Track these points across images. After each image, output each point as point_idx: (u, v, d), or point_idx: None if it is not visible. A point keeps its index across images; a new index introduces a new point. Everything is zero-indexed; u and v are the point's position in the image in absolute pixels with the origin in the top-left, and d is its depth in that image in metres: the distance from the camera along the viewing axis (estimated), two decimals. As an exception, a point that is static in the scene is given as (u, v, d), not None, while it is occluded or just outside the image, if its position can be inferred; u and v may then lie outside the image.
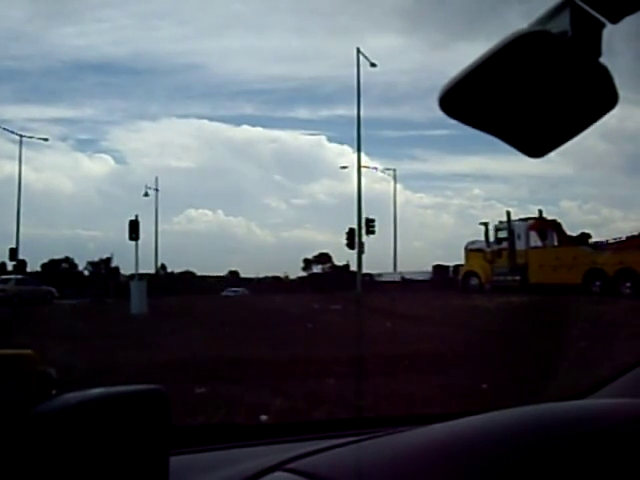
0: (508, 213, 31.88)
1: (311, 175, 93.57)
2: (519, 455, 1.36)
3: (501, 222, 31.75)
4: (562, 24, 0.84)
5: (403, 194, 59.61)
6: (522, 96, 0.88)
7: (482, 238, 32.21)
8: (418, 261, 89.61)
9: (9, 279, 36.58)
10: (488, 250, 31.51)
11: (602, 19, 0.86)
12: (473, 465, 1.32)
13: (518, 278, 29.51)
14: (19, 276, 37.64)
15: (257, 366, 9.30)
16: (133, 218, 35.31)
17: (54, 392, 1.11)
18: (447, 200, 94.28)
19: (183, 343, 12.40)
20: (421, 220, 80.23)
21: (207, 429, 1.98)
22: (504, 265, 30.47)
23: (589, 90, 0.89)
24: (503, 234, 31.22)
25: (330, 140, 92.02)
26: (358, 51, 41.47)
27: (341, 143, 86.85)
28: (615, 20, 0.87)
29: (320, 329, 14.98)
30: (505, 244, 30.86)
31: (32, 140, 51.58)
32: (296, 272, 66.11)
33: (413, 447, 1.42)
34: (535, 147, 0.94)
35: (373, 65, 41.65)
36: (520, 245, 30.47)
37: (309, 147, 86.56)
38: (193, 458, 1.56)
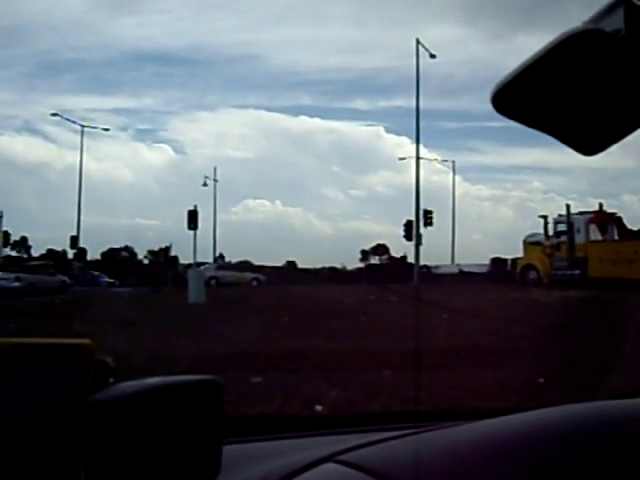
0: (568, 206, 31.47)
1: (369, 166, 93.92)
2: (571, 453, 1.34)
3: (561, 215, 31.40)
4: (616, 22, 0.82)
5: (462, 186, 59.48)
6: (575, 94, 0.88)
7: (541, 231, 31.92)
8: (476, 253, 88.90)
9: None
10: (547, 243, 31.23)
11: None
12: (525, 462, 1.31)
13: (577, 272, 29.07)
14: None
15: (313, 357, 9.37)
16: (192, 208, 35.69)
17: (111, 380, 1.12)
18: (506, 192, 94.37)
19: (240, 333, 12.46)
20: (479, 212, 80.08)
21: (260, 420, 2.02)
22: (563, 259, 30.11)
23: None
24: (562, 227, 30.86)
25: (388, 131, 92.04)
26: (417, 42, 41.36)
27: (399, 134, 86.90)
28: None
29: (375, 321, 14.98)
30: (564, 237, 30.48)
31: (93, 130, 52.49)
32: (353, 263, 66.05)
33: (466, 442, 1.41)
34: (589, 145, 0.93)
35: (433, 56, 41.58)
36: (580, 239, 30.08)
37: (367, 138, 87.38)
38: (246, 448, 1.57)
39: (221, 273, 41.46)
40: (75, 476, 1.00)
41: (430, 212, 41.02)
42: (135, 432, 1.07)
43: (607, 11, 0.83)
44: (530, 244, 32.54)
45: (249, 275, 42.29)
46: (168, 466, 1.12)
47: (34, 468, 0.96)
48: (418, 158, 41.93)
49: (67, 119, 52.15)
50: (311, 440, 1.68)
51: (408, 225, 39.87)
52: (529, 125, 0.91)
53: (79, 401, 0.99)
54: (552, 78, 0.86)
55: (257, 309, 17.88)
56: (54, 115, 51.14)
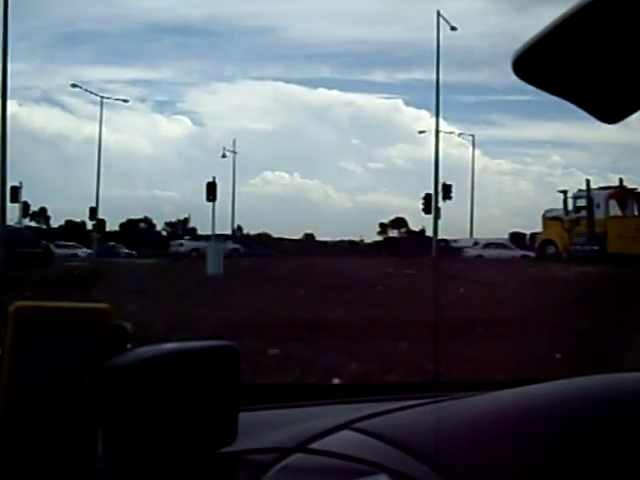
0: (587, 181, 31.35)
1: (388, 139, 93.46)
2: (586, 425, 1.34)
3: (580, 190, 31.16)
4: None
5: (481, 160, 59.18)
6: (598, 60, 0.85)
7: (560, 206, 31.75)
8: (495, 228, 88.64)
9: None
10: (566, 219, 30.99)
11: None
12: (542, 432, 1.31)
13: (596, 248, 28.86)
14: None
15: (331, 328, 9.40)
16: (210, 180, 35.72)
17: (129, 346, 1.12)
18: (525, 167, 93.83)
19: (258, 303, 12.49)
20: (499, 187, 79.74)
21: (278, 388, 2.00)
22: (582, 234, 29.91)
23: None
24: (582, 202, 30.61)
25: (407, 104, 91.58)
26: (438, 14, 41.02)
27: (418, 107, 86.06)
28: None
29: (394, 293, 14.97)
30: (584, 213, 30.26)
31: (111, 101, 52.50)
32: (371, 236, 66.03)
33: (483, 412, 1.41)
34: (610, 113, 0.91)
35: (453, 29, 41.26)
36: (599, 214, 29.86)
37: (386, 111, 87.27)
38: (262, 415, 1.57)
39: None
40: (92, 440, 1.01)
41: (449, 186, 40.86)
42: (152, 397, 1.09)
43: None
44: (549, 219, 32.37)
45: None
46: (185, 431, 1.13)
47: (52, 432, 0.96)
48: (438, 131, 41.76)
49: (87, 90, 52.15)
50: (328, 408, 1.67)
51: (427, 198, 39.65)
52: (550, 91, 0.88)
53: (97, 366, 0.99)
54: (574, 43, 0.83)
55: (275, 281, 17.88)
56: (74, 86, 50.81)
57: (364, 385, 2.31)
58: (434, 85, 41.34)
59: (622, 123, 0.93)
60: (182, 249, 41.35)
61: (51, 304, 0.97)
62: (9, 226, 36.14)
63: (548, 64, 0.85)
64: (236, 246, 41.11)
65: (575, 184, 65.97)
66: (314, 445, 1.27)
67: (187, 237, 48.29)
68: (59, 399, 0.97)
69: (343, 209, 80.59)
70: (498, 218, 70.97)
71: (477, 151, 59.55)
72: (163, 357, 1.13)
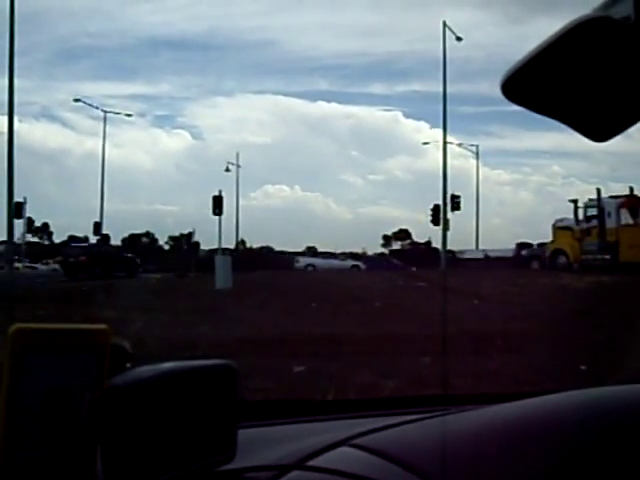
0: (598, 190, 31.00)
1: (387, 151, 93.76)
2: (585, 437, 1.36)
3: (591, 199, 30.96)
4: (625, 9, 0.82)
5: (481, 170, 58.87)
6: (585, 81, 0.88)
7: (562, 216, 31.85)
8: (496, 238, 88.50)
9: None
10: (577, 228, 30.80)
11: None
12: (541, 445, 1.32)
13: (608, 257, 28.70)
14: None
15: (349, 343, 9.25)
16: (216, 193, 35.73)
17: (128, 365, 1.16)
18: (525, 177, 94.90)
19: (274, 319, 12.37)
20: (499, 197, 79.91)
21: (277, 404, 1.98)
22: (593, 243, 29.73)
23: None
24: (593, 212, 30.45)
25: (406, 116, 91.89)
26: (444, 25, 40.97)
27: (417, 119, 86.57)
28: None
29: (407, 307, 14.70)
30: (595, 222, 30.08)
31: (111, 116, 52.16)
32: (373, 248, 65.99)
33: (480, 426, 1.43)
34: (599, 132, 0.93)
35: (459, 39, 41.21)
36: (610, 223, 29.68)
37: (385, 123, 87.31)
38: (262, 432, 1.59)
39: (317, 261, 43.81)
40: (92, 460, 1.03)
41: (457, 196, 40.75)
42: (151, 416, 1.09)
43: None
44: (559, 229, 32.13)
45: (349, 262, 43.44)
46: (184, 449, 1.14)
47: (52, 451, 0.98)
48: (445, 143, 41.56)
49: (90, 105, 51.92)
50: (326, 424, 1.69)
51: (435, 210, 39.49)
52: (539, 112, 0.91)
53: (96, 385, 1.02)
54: (561, 65, 0.86)
55: (288, 295, 17.67)
56: (77, 101, 50.93)
57: (362, 400, 2.28)
58: (433, 96, 41.59)
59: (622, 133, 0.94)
60: (299, 264, 43.30)
61: (50, 326, 0.98)
62: (100, 242, 38.90)
63: (536, 86, 0.89)
64: (356, 263, 41.33)
65: (575, 194, 66.92)
66: (313, 462, 1.28)
67: (306, 254, 51.48)
68: (58, 419, 0.98)
69: (344, 221, 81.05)
70: (499, 228, 71.22)
71: (476, 162, 59.81)
72: (161, 376, 1.13)
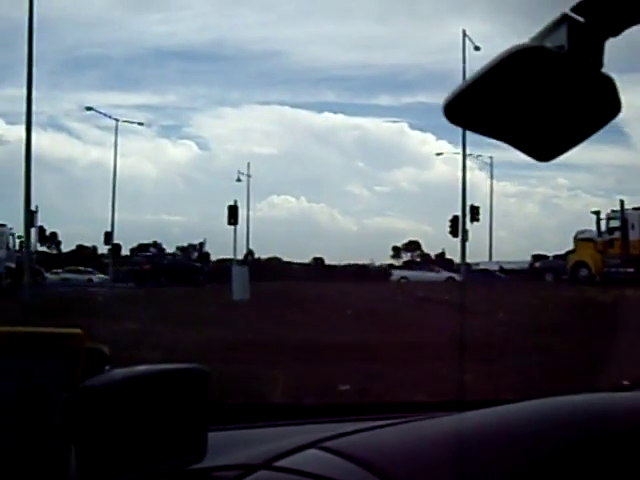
0: (621, 202, 30.80)
1: (393, 162, 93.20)
2: (554, 445, 1.37)
3: (614, 211, 30.77)
4: (559, 39, 0.86)
5: (487, 182, 58.65)
6: (522, 106, 0.90)
7: (566, 229, 31.68)
8: (503, 251, 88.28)
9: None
10: (599, 240, 30.47)
11: (601, 32, 0.87)
12: (506, 451, 1.35)
13: (631, 270, 28.27)
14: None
15: (390, 357, 9.14)
16: (231, 203, 36.03)
17: (107, 368, 1.20)
18: (531, 189, 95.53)
19: (300, 331, 12.20)
20: (505, 209, 79.73)
21: (249, 407, 1.96)
22: (616, 256, 29.40)
23: (591, 99, 0.91)
24: (615, 223, 30.23)
25: (412, 127, 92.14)
26: (464, 34, 40.42)
27: (424, 131, 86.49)
28: (615, 33, 0.88)
29: (435, 327, 14.20)
30: (617, 234, 29.84)
31: (120, 126, 51.61)
32: (381, 259, 65.70)
33: (449, 432, 1.46)
34: (541, 152, 0.95)
35: (477, 48, 40.32)
36: (634, 235, 29.38)
37: (391, 134, 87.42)
38: (232, 434, 1.60)
39: (410, 273, 43.69)
40: (66, 458, 1.07)
41: (477, 208, 40.46)
42: (123, 417, 1.10)
43: (552, 28, 0.88)
44: (581, 240, 31.79)
45: (444, 274, 42.78)
46: (156, 449, 1.15)
47: (26, 450, 1.02)
48: (465, 155, 40.98)
49: (103, 114, 51.37)
50: (297, 428, 1.69)
51: (454, 221, 39.23)
52: (481, 133, 0.93)
53: (70, 387, 1.06)
54: (499, 91, 0.88)
55: (309, 307, 17.30)
56: (89, 109, 50.29)
57: (335, 405, 2.36)
58: (439, 108, 40.79)
59: (627, 144, 1.06)
60: (393, 277, 44.04)
61: (22, 329, 1.02)
62: (168, 254, 39.53)
63: (476, 109, 0.91)
64: (451, 275, 40.68)
65: (581, 206, 68.03)
66: (280, 463, 1.29)
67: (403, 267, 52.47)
68: (32, 419, 1.01)
69: (350, 233, 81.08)
70: (506, 240, 71.30)
71: (482, 173, 59.50)
72: (135, 379, 1.14)
